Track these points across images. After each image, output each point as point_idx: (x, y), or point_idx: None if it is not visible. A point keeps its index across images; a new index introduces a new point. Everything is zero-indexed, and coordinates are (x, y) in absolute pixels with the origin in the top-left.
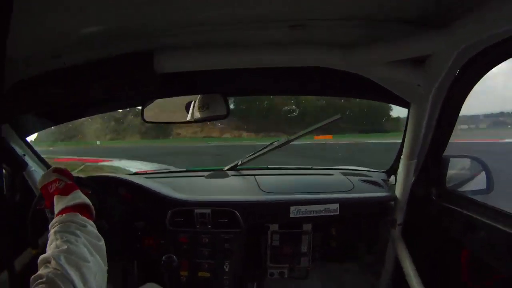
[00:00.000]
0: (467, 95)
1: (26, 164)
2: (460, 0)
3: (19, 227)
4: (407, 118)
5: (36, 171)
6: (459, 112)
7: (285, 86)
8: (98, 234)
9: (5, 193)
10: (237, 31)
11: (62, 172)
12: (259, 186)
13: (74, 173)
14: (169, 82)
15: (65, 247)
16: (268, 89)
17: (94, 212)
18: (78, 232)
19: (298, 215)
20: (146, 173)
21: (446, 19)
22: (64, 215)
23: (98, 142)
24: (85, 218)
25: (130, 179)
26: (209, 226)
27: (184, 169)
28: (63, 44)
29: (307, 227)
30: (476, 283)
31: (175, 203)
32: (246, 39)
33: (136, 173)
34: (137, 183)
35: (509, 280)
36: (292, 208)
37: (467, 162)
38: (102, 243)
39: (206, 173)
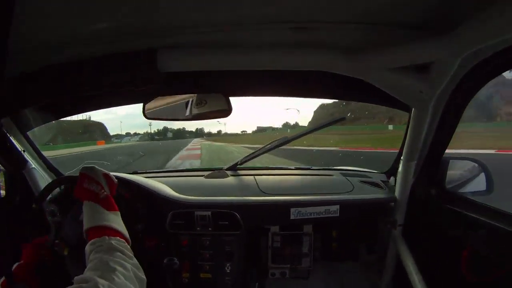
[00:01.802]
0: (470, 100)
1: (25, 161)
2: (463, 7)
3: (18, 230)
4: (408, 121)
5: (36, 169)
6: (460, 116)
7: (286, 88)
8: (140, 267)
9: (4, 193)
10: (240, 32)
11: (111, 182)
12: (258, 187)
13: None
14: (172, 80)
15: (113, 278)
16: (270, 90)
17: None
18: (127, 265)
19: (298, 217)
20: (146, 172)
21: (449, 26)
22: (111, 238)
23: (390, 127)
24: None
25: (130, 179)
26: (209, 229)
27: (184, 169)
28: (67, 40)
29: (308, 228)
30: (477, 279)
31: (176, 204)
32: (249, 40)
33: (135, 172)
34: (137, 183)
35: (510, 276)
36: (292, 210)
37: (467, 164)
38: (144, 276)
39: (205, 173)
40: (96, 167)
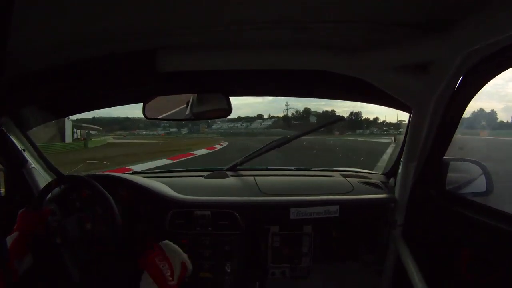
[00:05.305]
0: (470, 100)
1: (25, 160)
2: (462, 5)
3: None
4: (408, 121)
5: (36, 168)
6: (461, 117)
7: (287, 88)
8: None
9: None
10: (240, 32)
11: (183, 273)
12: (258, 188)
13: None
14: (172, 80)
15: None
16: (270, 90)
17: None
18: None
19: (298, 217)
20: (146, 172)
21: (448, 24)
22: None
23: None
24: None
25: (130, 179)
26: (209, 228)
27: (184, 169)
28: (67, 40)
29: (308, 228)
30: (477, 280)
31: (176, 203)
32: (249, 40)
33: (135, 172)
34: (137, 183)
35: (509, 276)
36: (292, 210)
37: (467, 165)
38: None
39: (205, 173)
40: (179, 249)
